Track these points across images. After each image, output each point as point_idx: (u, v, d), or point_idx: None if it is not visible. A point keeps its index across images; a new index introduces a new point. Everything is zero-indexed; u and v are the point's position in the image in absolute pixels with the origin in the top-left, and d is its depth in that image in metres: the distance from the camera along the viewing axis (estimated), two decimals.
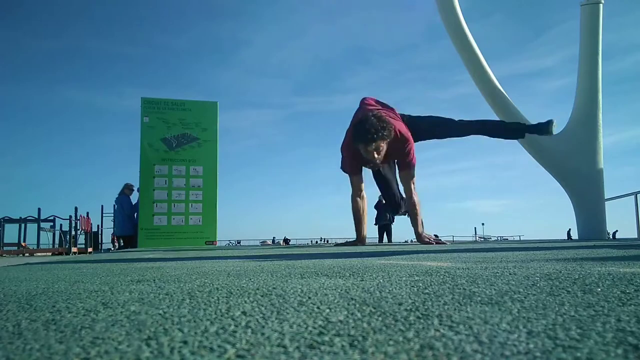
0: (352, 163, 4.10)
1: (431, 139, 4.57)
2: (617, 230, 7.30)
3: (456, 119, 4.54)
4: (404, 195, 4.44)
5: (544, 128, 4.62)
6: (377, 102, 4.32)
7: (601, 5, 7.43)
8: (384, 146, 3.76)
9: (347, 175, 4.27)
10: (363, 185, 4.21)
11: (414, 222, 4.21)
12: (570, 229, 32.21)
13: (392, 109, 4.25)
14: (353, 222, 4.31)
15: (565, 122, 7.85)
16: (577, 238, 7.47)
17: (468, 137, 4.71)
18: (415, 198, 4.16)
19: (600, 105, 7.43)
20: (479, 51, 7.61)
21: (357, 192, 4.18)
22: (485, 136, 4.73)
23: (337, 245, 4.88)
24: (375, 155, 3.76)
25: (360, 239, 4.31)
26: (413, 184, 4.14)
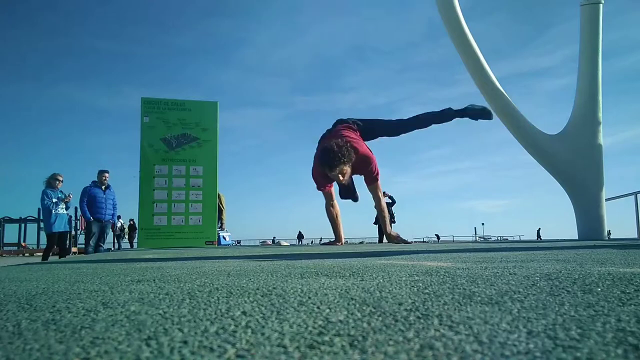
0: (322, 182, 4.77)
1: (375, 138, 5.20)
2: (609, 230, 7.30)
3: (394, 119, 5.28)
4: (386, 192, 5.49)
5: (477, 114, 5.20)
6: (347, 125, 4.93)
7: (601, 5, 7.43)
8: (347, 169, 4.41)
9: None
10: (334, 196, 5.01)
11: (384, 225, 5.10)
12: (539, 228, 32.16)
13: (355, 130, 4.90)
14: (331, 226, 5.14)
15: (565, 122, 7.86)
16: (576, 238, 7.46)
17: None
18: (383, 204, 5.05)
19: (601, 105, 7.42)
20: (479, 50, 7.61)
21: (329, 203, 5.00)
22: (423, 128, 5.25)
23: (322, 244, 5.34)
24: (340, 177, 4.42)
25: (338, 239, 5.13)
26: (380, 192, 4.92)
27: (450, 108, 5.22)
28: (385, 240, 9.76)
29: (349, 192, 5.20)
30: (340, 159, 4.25)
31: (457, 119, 5.25)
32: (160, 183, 7.03)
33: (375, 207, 5.17)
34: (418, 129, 5.21)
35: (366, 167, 4.62)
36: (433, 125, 5.24)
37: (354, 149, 4.42)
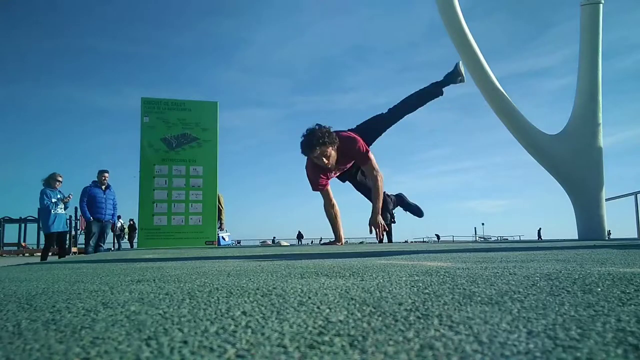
0: (317, 181, 4.76)
1: (379, 135, 5.16)
2: (609, 230, 7.33)
3: (385, 111, 5.18)
4: (388, 193, 5.45)
5: (454, 73, 5.28)
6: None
7: (601, 5, 7.43)
8: (330, 151, 4.41)
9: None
10: (332, 195, 4.96)
11: (374, 205, 4.81)
12: (540, 228, 32.18)
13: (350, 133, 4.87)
14: (330, 226, 5.12)
15: (566, 122, 7.85)
16: (576, 238, 7.46)
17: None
18: (380, 183, 4.79)
19: (601, 105, 7.41)
20: (479, 50, 7.61)
21: (328, 203, 4.96)
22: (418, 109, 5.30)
23: (322, 244, 5.36)
24: (325, 160, 4.41)
25: (338, 239, 5.12)
26: (374, 169, 4.77)
27: (432, 83, 5.31)
28: (385, 239, 9.77)
29: (361, 185, 5.16)
30: (319, 138, 4.30)
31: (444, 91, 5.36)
32: (160, 183, 7.03)
33: (371, 186, 5.08)
34: (414, 109, 5.24)
35: (353, 147, 4.62)
36: (430, 113, 5.40)
37: (336, 133, 4.50)
